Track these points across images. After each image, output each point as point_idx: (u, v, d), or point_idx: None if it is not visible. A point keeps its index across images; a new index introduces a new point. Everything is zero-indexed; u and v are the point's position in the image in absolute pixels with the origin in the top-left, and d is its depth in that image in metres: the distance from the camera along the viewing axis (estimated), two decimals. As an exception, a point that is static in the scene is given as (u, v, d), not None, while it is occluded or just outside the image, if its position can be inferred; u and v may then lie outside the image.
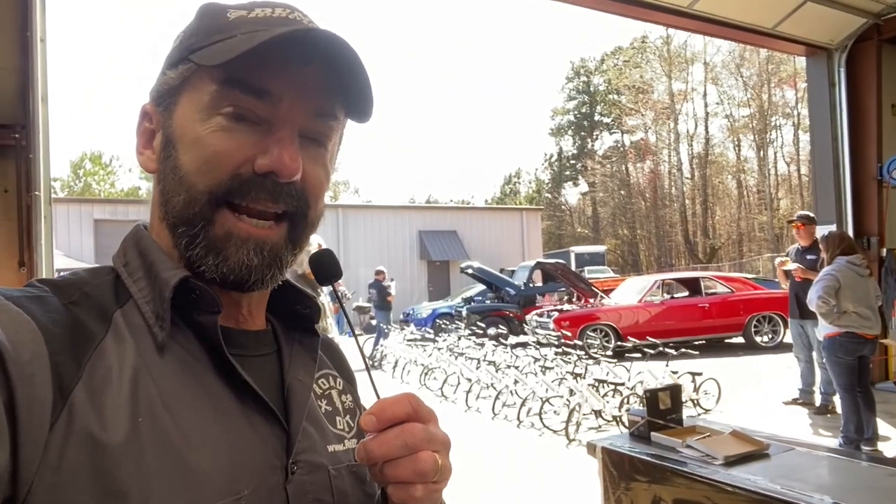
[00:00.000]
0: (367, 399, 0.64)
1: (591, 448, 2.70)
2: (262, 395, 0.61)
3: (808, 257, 6.28)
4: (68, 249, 18.19)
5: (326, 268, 0.69)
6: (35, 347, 0.51)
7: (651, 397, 2.72)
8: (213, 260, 0.61)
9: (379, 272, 13.10)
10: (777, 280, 7.55)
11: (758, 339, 11.30)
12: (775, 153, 36.39)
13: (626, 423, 2.85)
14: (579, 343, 8.03)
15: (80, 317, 0.56)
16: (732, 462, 2.25)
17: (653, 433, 2.62)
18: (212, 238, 0.61)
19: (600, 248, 29.62)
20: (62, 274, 0.63)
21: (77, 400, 0.51)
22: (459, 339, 9.80)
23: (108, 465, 0.50)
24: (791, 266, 6.40)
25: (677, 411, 2.75)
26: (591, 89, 45.15)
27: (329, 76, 0.63)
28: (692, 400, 6.66)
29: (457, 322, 13.13)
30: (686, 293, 12.24)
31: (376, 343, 12.14)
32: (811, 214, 6.64)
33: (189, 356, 0.60)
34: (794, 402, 6.73)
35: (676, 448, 2.47)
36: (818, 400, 6.42)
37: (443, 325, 12.93)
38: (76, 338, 0.54)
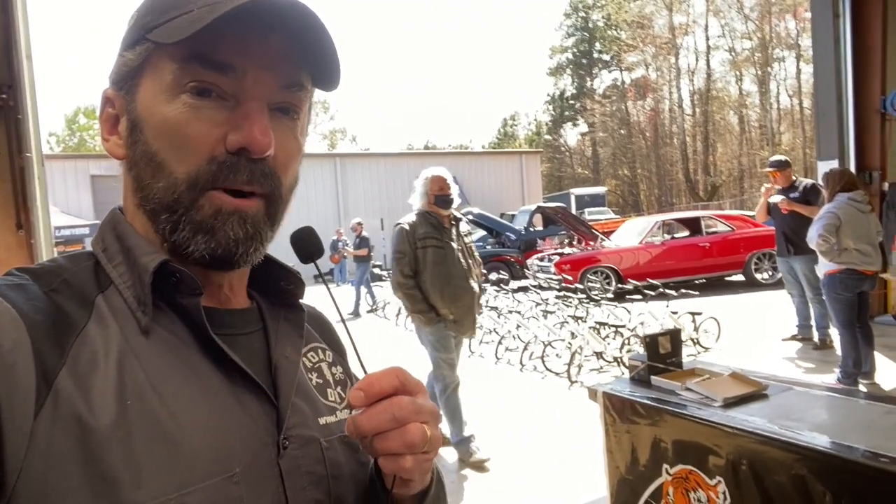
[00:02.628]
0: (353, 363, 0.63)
1: (593, 393, 2.74)
2: (250, 372, 0.61)
3: (791, 195, 6.26)
4: (66, 206, 18.14)
5: (308, 246, 0.69)
6: (16, 336, 0.50)
7: (651, 342, 2.74)
8: (201, 238, 0.60)
9: (357, 224, 12.80)
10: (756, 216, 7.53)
11: (758, 276, 11.36)
12: (778, 86, 35.80)
13: (627, 364, 2.90)
14: (580, 286, 8.09)
15: (61, 304, 0.56)
16: (731, 403, 2.29)
17: (653, 377, 2.66)
18: (198, 219, 0.60)
19: (600, 190, 29.51)
20: (41, 262, 0.63)
21: (62, 386, 0.51)
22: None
23: (97, 449, 0.50)
24: (777, 198, 6.36)
25: (677, 355, 2.78)
26: (590, 25, 44.05)
27: (293, 45, 0.61)
28: (692, 339, 6.75)
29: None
30: (686, 233, 12.24)
31: (368, 297, 12.36)
32: (782, 158, 6.55)
33: (174, 338, 0.60)
34: (793, 338, 6.82)
35: (676, 391, 2.50)
36: (816, 335, 6.50)
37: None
38: (58, 325, 0.54)
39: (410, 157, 27.47)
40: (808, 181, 6.34)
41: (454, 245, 4.03)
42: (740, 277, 11.60)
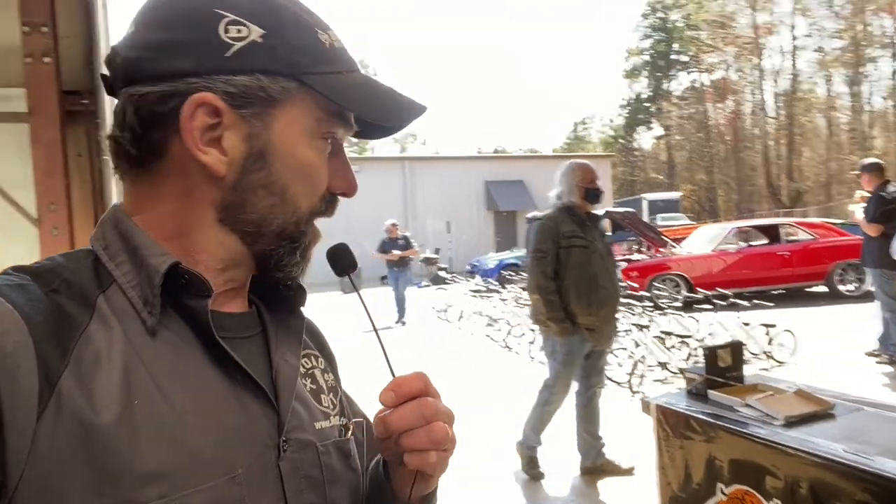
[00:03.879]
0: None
1: (646, 405, 2.65)
2: (254, 375, 0.62)
3: (876, 202, 5.98)
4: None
5: (342, 259, 0.73)
6: (18, 337, 0.50)
7: (710, 354, 2.62)
8: (303, 262, 0.68)
9: (392, 226, 11.39)
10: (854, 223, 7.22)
11: (842, 287, 10.69)
12: (870, 88, 33.62)
13: (685, 378, 2.78)
14: (646, 294, 7.84)
15: (62, 304, 0.56)
16: (794, 422, 2.15)
17: (710, 391, 2.53)
18: (303, 248, 0.67)
19: (675, 195, 28.59)
20: (38, 261, 0.62)
21: (65, 387, 0.51)
22: (524, 289, 9.78)
23: (101, 449, 0.51)
24: (859, 215, 6.13)
25: (738, 369, 2.65)
26: (669, 26, 42.81)
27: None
28: (765, 353, 6.42)
29: (522, 273, 13.08)
30: (764, 241, 11.67)
31: (401, 313, 11.02)
32: (870, 161, 6.24)
33: (178, 339, 0.60)
34: (873, 353, 6.40)
35: (734, 407, 2.38)
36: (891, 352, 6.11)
37: (508, 276, 12.92)
38: (60, 325, 0.54)
39: (479, 160, 27.51)
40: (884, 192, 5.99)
41: (597, 245, 3.65)
42: (823, 289, 10.96)
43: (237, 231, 0.64)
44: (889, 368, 6.08)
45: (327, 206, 0.68)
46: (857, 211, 6.19)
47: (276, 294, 0.73)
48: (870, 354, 6.43)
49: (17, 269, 0.58)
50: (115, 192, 4.00)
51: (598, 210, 3.80)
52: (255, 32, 0.60)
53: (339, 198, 0.70)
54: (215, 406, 0.59)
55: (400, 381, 0.63)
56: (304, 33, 0.63)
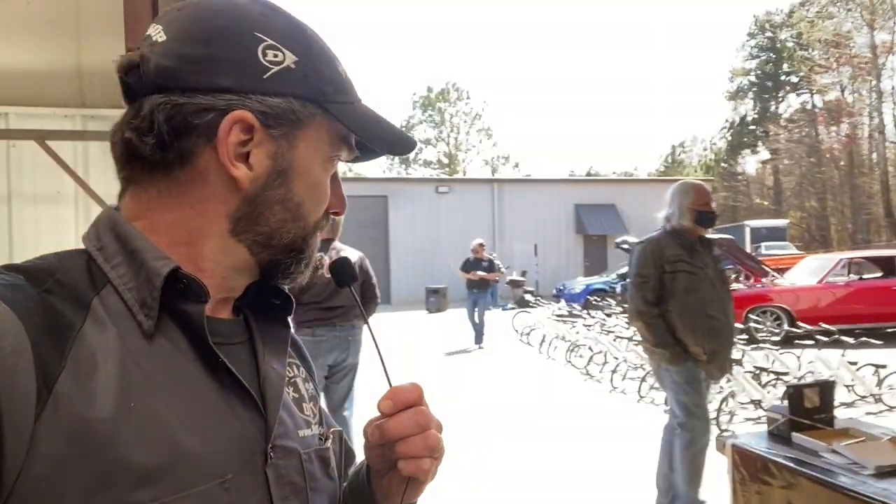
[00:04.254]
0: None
1: (721, 444, 2.48)
2: (244, 381, 0.63)
3: None
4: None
5: (343, 272, 0.79)
6: (16, 338, 0.50)
7: (795, 394, 2.42)
8: (306, 269, 0.71)
9: (479, 245, 10.84)
10: None
11: (967, 328, 9.65)
12: None
13: (767, 418, 2.58)
14: (740, 326, 7.39)
15: (55, 304, 0.55)
16: (885, 473, 1.94)
17: (794, 434, 2.33)
18: (308, 257, 0.71)
19: (781, 223, 26.96)
20: (29, 260, 0.62)
21: (62, 390, 0.51)
22: (609, 316, 9.49)
23: (98, 451, 0.51)
24: None
25: (828, 410, 2.43)
26: (777, 45, 40.77)
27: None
28: (873, 395, 5.87)
29: (608, 299, 12.70)
30: (879, 273, 10.74)
31: (478, 336, 10.61)
32: None
33: (172, 343, 0.60)
34: None
35: (819, 452, 2.18)
36: None
37: (594, 302, 12.58)
38: (55, 326, 0.54)
39: (569, 183, 27.12)
40: None
41: (709, 271, 3.38)
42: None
43: (246, 242, 0.66)
44: None
45: (326, 220, 0.72)
46: None
47: (264, 303, 0.74)
48: None
49: (10, 268, 0.58)
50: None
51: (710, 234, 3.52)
52: (290, 59, 0.64)
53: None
54: (207, 411, 0.59)
55: (397, 390, 0.65)
56: (330, 63, 0.68)
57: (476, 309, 10.61)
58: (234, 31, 0.62)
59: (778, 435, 2.41)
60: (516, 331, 11.97)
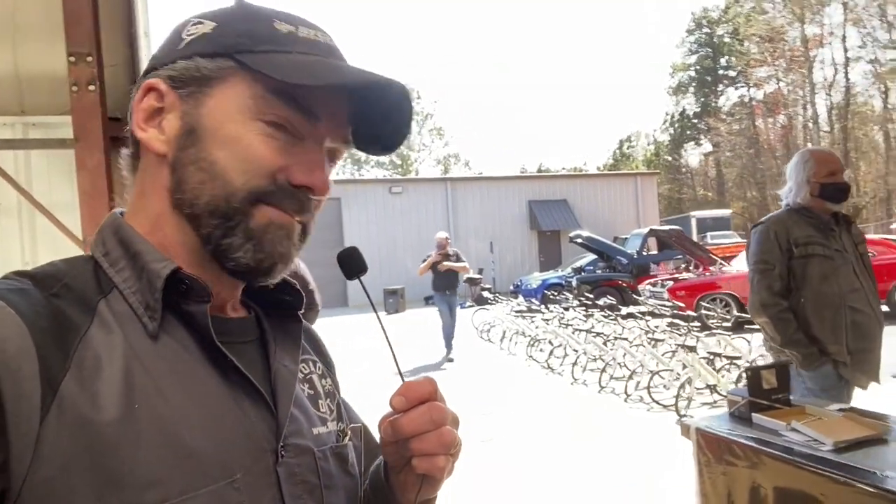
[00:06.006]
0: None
1: (685, 429, 2.53)
2: (253, 379, 0.63)
3: None
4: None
5: (353, 262, 0.72)
6: (20, 341, 0.51)
7: (753, 375, 2.50)
8: (249, 246, 0.63)
9: (444, 239, 9.24)
10: None
11: (905, 306, 10.18)
12: (932, 98, 32.22)
13: (727, 400, 2.66)
14: (693, 314, 7.61)
15: (62, 308, 0.56)
16: (843, 448, 2.02)
17: (754, 414, 2.41)
18: (251, 227, 0.63)
19: (725, 212, 27.91)
20: (38, 266, 0.63)
21: (67, 392, 0.51)
22: (567, 309, 9.63)
23: (104, 453, 0.51)
24: None
25: (784, 391, 2.51)
26: (715, 41, 42.12)
27: (373, 114, 0.66)
28: (821, 375, 6.13)
29: (565, 293, 12.90)
30: (820, 258, 11.22)
31: (448, 345, 9.34)
32: None
33: (178, 344, 0.60)
34: None
35: (780, 431, 2.25)
36: None
37: (552, 296, 12.76)
38: (61, 329, 0.54)
39: (521, 180, 27.42)
40: None
41: (848, 255, 2.84)
42: (884, 308, 10.44)
43: (184, 215, 0.63)
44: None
45: (287, 194, 0.64)
46: None
47: (274, 299, 0.73)
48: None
49: (19, 274, 0.59)
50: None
51: (840, 210, 2.94)
52: (208, 26, 0.64)
53: (317, 197, 0.66)
54: (215, 410, 0.59)
55: (410, 385, 0.63)
56: (256, 22, 0.64)
57: (449, 312, 9.24)
58: (183, 23, 0.66)
59: (739, 417, 2.48)
60: (476, 328, 12.03)
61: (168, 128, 0.64)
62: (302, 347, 0.75)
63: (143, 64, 3.98)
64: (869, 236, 13.73)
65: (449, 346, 9.41)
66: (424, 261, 9.21)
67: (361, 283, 0.73)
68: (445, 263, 8.92)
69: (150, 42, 3.91)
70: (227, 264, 0.63)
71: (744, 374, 5.75)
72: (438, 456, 0.62)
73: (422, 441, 0.62)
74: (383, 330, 0.72)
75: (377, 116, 0.67)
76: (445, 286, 9.13)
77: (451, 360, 9.25)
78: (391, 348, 0.73)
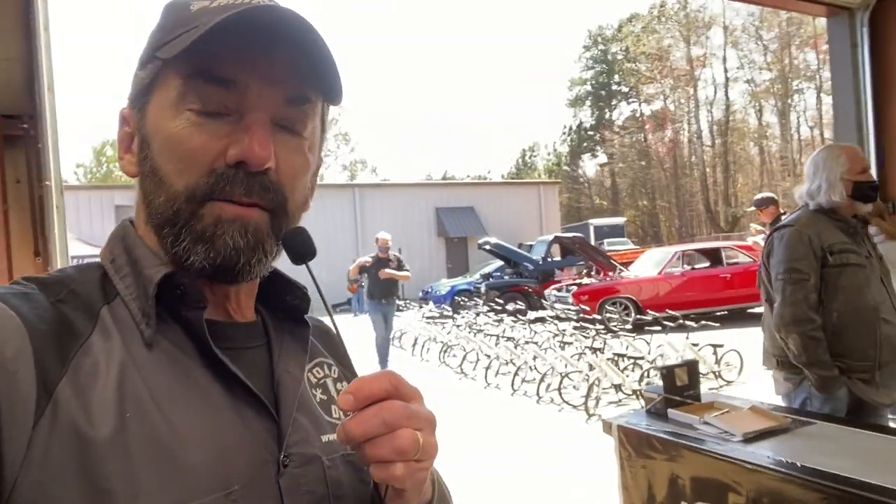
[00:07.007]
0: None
1: (607, 426, 2.66)
2: (252, 387, 0.60)
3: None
4: (90, 236, 18.45)
5: (300, 246, 0.64)
6: (19, 344, 0.50)
7: (668, 374, 2.67)
8: (201, 248, 0.59)
9: (385, 240, 8.22)
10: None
11: (781, 308, 11.13)
12: (798, 117, 35.62)
13: (644, 398, 2.82)
14: (598, 317, 7.98)
15: (67, 314, 0.56)
16: (751, 438, 2.21)
17: (669, 410, 2.58)
18: (198, 228, 0.59)
19: (619, 220, 29.36)
20: (51, 272, 0.63)
21: (62, 396, 0.51)
22: (478, 315, 9.81)
23: (94, 461, 0.49)
24: (751, 240, 7.00)
25: (695, 387, 2.70)
26: (609, 58, 44.38)
27: (296, 58, 0.60)
28: (714, 372, 6.60)
29: (475, 299, 13.14)
30: (707, 263, 12.08)
31: (383, 361, 8.22)
32: (765, 196, 6.82)
33: (177, 351, 0.59)
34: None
35: (694, 425, 2.42)
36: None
37: (461, 302, 12.95)
38: (62, 335, 0.54)
39: (429, 187, 27.64)
40: None
41: (874, 261, 2.58)
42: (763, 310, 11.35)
43: (153, 227, 0.63)
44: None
45: (226, 180, 0.59)
46: (759, 240, 6.82)
47: (281, 303, 0.72)
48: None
49: (27, 279, 0.59)
50: (56, 218, 3.84)
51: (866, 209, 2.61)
52: (147, 39, 0.64)
53: (256, 170, 0.60)
54: (212, 419, 0.57)
55: (361, 382, 0.54)
56: (173, 12, 0.63)
57: (385, 325, 8.21)
58: None
59: (655, 413, 2.64)
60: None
61: (135, 148, 0.65)
62: (316, 350, 0.74)
63: (43, 60, 3.70)
64: (747, 243, 14.94)
65: (385, 362, 8.27)
66: (369, 270, 8.12)
67: (309, 269, 0.65)
68: (387, 271, 7.93)
69: (50, 37, 3.65)
70: (189, 269, 0.60)
71: (650, 373, 6.11)
72: (394, 463, 0.53)
73: (374, 446, 0.53)
74: (334, 323, 0.68)
75: (309, 62, 0.61)
76: (383, 294, 8.09)
77: None
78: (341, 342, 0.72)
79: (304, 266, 0.64)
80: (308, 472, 0.62)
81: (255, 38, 0.58)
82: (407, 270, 8.22)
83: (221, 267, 0.60)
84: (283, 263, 0.69)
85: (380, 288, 8.02)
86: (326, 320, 0.73)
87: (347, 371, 0.76)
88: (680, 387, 2.67)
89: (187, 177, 0.59)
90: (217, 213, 0.59)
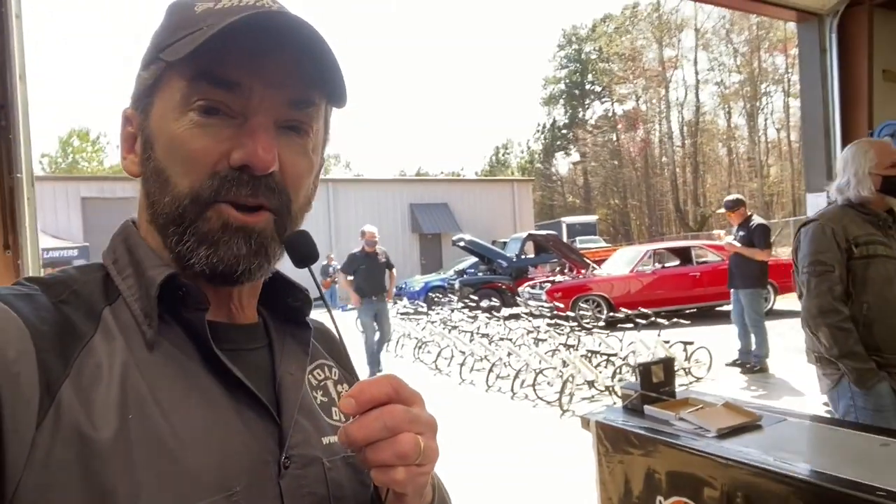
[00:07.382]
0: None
1: (585, 422, 2.71)
2: (253, 388, 0.61)
3: (740, 233, 6.90)
4: (56, 228, 18.00)
5: (303, 248, 0.64)
6: (21, 345, 0.50)
7: (644, 371, 2.72)
8: (203, 251, 0.60)
9: (371, 233, 7.75)
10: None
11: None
12: (765, 120, 36.41)
13: (619, 394, 2.87)
14: (571, 314, 8.07)
15: (69, 315, 0.56)
16: (725, 434, 2.26)
17: (646, 406, 2.63)
18: (204, 230, 0.60)
19: (592, 219, 29.64)
20: (52, 272, 0.62)
21: (64, 398, 0.51)
22: (452, 312, 9.84)
23: (96, 462, 0.50)
24: (727, 240, 7.23)
25: (670, 384, 2.76)
26: (583, 57, 44.75)
27: (300, 62, 0.61)
28: (684, 369, 6.73)
29: (449, 295, 13.17)
30: (677, 262, 12.28)
31: (376, 364, 7.69)
32: (735, 198, 7.12)
33: (179, 352, 0.59)
34: (734, 363, 7.25)
35: (670, 421, 2.47)
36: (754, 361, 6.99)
37: (435, 299, 12.97)
38: (64, 336, 0.54)
39: (403, 183, 27.60)
40: (757, 221, 6.85)
41: None
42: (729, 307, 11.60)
43: (156, 227, 0.64)
44: (757, 374, 6.87)
45: (231, 182, 0.59)
46: (732, 241, 6.99)
47: (283, 305, 0.72)
48: (729, 365, 7.22)
49: (30, 280, 0.59)
50: (27, 211, 3.75)
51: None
52: (150, 39, 0.65)
53: (260, 173, 0.60)
54: (213, 421, 0.58)
55: (362, 385, 0.55)
56: (177, 13, 0.63)
57: (381, 325, 7.65)
58: None
59: (632, 409, 2.69)
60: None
61: (138, 148, 0.65)
62: (317, 352, 0.74)
63: (15, 49, 3.60)
64: (716, 242, 15.20)
65: (377, 366, 7.70)
66: (350, 269, 7.62)
67: (311, 272, 0.67)
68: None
69: (23, 25, 3.55)
70: (190, 270, 0.61)
71: (622, 369, 6.20)
72: (396, 468, 0.53)
73: (375, 450, 0.53)
74: (334, 323, 0.68)
75: (314, 65, 0.61)
76: (372, 290, 7.48)
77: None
78: (344, 348, 0.73)
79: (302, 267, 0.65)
80: (309, 473, 0.63)
81: (260, 42, 0.59)
82: (394, 269, 7.95)
83: (222, 272, 0.61)
84: (283, 264, 0.69)
85: (368, 283, 7.52)
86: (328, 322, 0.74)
87: (348, 373, 0.77)
88: (656, 383, 2.73)
89: (192, 178, 0.60)
90: (224, 218, 0.60)
